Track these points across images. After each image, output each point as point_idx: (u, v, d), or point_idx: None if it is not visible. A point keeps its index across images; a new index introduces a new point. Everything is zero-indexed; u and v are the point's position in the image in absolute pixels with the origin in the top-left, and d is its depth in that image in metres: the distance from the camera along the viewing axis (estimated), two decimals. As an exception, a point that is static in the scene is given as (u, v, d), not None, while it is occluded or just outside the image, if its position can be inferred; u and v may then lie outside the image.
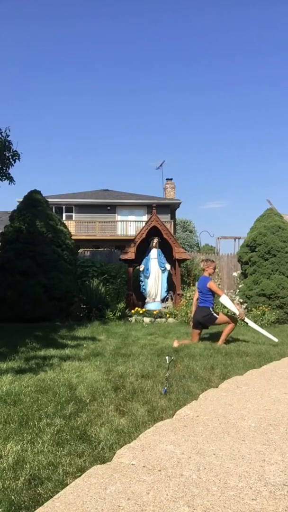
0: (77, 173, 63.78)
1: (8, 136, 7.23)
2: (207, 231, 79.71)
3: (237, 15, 63.25)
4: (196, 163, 69.32)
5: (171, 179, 30.24)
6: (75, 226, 24.87)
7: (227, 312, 6.79)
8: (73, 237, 9.92)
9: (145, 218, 24.75)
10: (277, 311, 8.35)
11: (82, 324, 7.71)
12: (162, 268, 9.58)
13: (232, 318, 6.00)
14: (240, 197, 73.15)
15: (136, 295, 9.73)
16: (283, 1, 59.50)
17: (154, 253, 9.61)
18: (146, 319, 8.46)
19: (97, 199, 27.04)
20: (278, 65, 68.64)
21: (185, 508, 1.75)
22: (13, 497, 1.86)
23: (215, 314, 5.92)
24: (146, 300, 9.52)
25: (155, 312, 8.69)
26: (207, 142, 70.13)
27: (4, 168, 7.35)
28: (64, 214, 25.83)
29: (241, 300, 8.92)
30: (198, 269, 12.52)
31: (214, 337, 6.32)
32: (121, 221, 26.40)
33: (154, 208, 10.14)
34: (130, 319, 8.54)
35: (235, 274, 10.96)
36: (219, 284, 10.35)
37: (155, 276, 9.54)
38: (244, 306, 8.71)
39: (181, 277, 10.03)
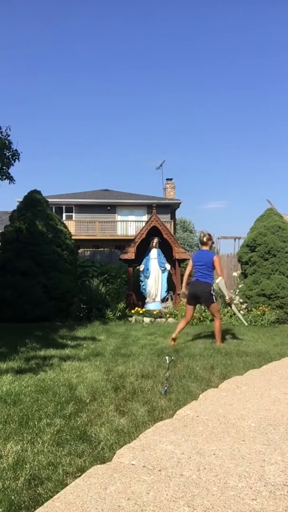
0: (77, 173, 63.83)
1: (8, 135, 7.24)
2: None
3: (238, 14, 63.28)
4: (196, 163, 69.39)
5: (171, 179, 30.26)
6: (75, 226, 24.88)
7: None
8: (73, 237, 9.92)
9: (145, 218, 24.76)
10: (277, 311, 8.34)
11: (82, 324, 7.70)
12: (162, 268, 9.58)
13: (219, 311, 5.95)
14: (240, 197, 73.19)
15: (136, 295, 9.73)
16: (283, 1, 59.51)
17: (154, 253, 9.61)
18: (146, 319, 8.45)
19: (97, 199, 27.05)
20: (279, 65, 68.67)
21: (185, 508, 1.75)
22: (13, 497, 1.86)
23: (214, 297, 5.66)
24: (146, 300, 9.53)
25: (155, 312, 8.69)
26: (207, 142, 70.19)
27: (4, 167, 7.36)
28: (64, 214, 25.84)
29: (241, 300, 8.92)
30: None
31: (213, 338, 6.33)
32: (121, 221, 26.41)
33: (154, 208, 10.14)
34: (130, 319, 8.54)
35: (235, 274, 10.95)
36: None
37: (155, 276, 9.54)
38: (244, 306, 8.71)
39: (181, 277, 10.03)
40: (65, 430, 2.60)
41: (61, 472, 2.09)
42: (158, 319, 8.47)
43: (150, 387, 3.49)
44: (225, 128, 67.85)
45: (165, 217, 24.23)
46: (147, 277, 9.52)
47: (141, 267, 9.55)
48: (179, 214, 32.35)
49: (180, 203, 27.72)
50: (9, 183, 7.53)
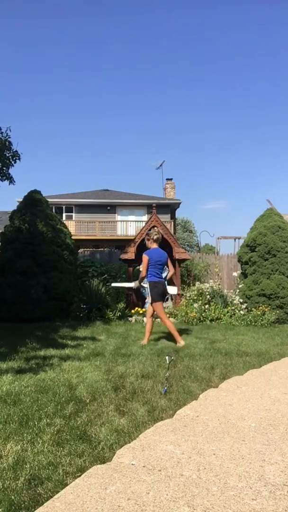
0: (77, 173, 63.82)
1: (8, 136, 7.24)
2: (207, 231, 79.72)
3: (237, 14, 63.26)
4: (196, 163, 69.34)
5: (171, 179, 30.28)
6: (75, 226, 24.89)
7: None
8: (73, 237, 9.93)
9: (145, 218, 24.77)
10: (277, 311, 8.35)
11: (82, 324, 7.71)
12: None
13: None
14: (240, 197, 73.18)
15: (136, 295, 9.73)
16: (284, 0, 59.51)
17: (154, 253, 9.59)
18: (146, 319, 8.44)
19: (97, 199, 27.06)
20: (279, 65, 68.65)
21: (185, 508, 1.75)
22: (13, 497, 1.86)
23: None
24: (146, 300, 9.51)
25: (155, 312, 8.68)
26: (207, 142, 70.13)
27: (4, 168, 7.36)
28: (64, 214, 25.86)
29: (241, 300, 8.92)
30: (198, 269, 12.54)
31: (213, 338, 6.33)
32: (121, 221, 26.41)
33: (154, 208, 10.14)
34: (130, 319, 8.55)
35: (235, 274, 10.96)
36: (219, 284, 10.35)
37: (155, 276, 9.52)
38: (244, 306, 8.72)
39: (181, 277, 10.03)
40: (65, 430, 2.60)
41: (61, 472, 2.09)
42: (158, 319, 8.46)
43: (150, 387, 3.49)
44: (225, 128, 67.87)
45: (165, 217, 24.25)
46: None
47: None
48: (179, 214, 32.43)
49: (180, 203, 27.73)
50: (9, 183, 7.53)
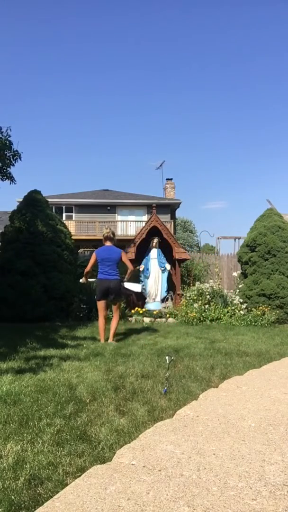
0: (77, 173, 63.83)
1: (9, 135, 7.23)
2: (207, 231, 79.47)
3: (236, 14, 63.26)
4: (197, 163, 69.36)
5: (171, 179, 30.27)
6: (75, 226, 24.89)
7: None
8: (73, 237, 9.92)
9: (145, 218, 24.77)
10: (277, 311, 8.34)
11: (82, 324, 7.71)
12: (162, 268, 9.58)
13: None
14: (240, 197, 73.21)
15: (136, 295, 9.71)
16: (284, 0, 59.50)
17: (154, 253, 9.61)
18: (146, 319, 8.45)
19: (97, 199, 27.06)
20: (279, 65, 68.65)
21: (185, 508, 1.75)
22: (13, 497, 1.86)
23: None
24: (146, 300, 9.52)
25: (155, 312, 8.69)
26: (207, 142, 70.15)
27: (5, 167, 7.35)
28: (64, 214, 25.85)
29: (241, 300, 8.92)
30: (198, 269, 12.53)
31: (213, 338, 6.33)
32: (121, 221, 26.41)
33: (154, 208, 10.14)
34: (130, 319, 8.54)
35: (235, 274, 10.95)
36: (219, 284, 10.35)
37: (155, 276, 9.54)
38: (244, 306, 8.72)
39: (181, 277, 10.03)
40: (65, 430, 2.60)
41: (61, 472, 2.09)
42: (158, 319, 8.47)
43: (150, 387, 3.49)
44: (225, 128, 67.86)
45: (165, 217, 24.25)
46: (147, 277, 9.53)
47: (141, 267, 9.54)
48: (179, 214, 32.37)
49: (180, 203, 27.72)
50: (10, 183, 7.53)
